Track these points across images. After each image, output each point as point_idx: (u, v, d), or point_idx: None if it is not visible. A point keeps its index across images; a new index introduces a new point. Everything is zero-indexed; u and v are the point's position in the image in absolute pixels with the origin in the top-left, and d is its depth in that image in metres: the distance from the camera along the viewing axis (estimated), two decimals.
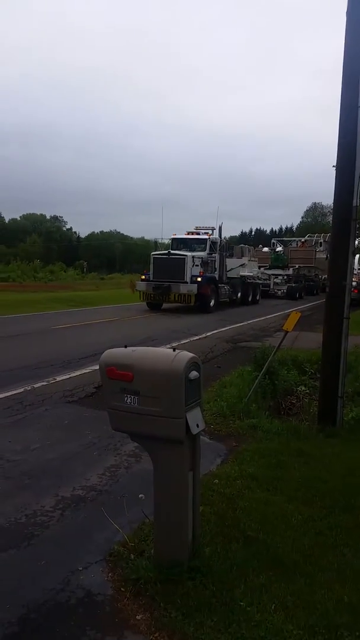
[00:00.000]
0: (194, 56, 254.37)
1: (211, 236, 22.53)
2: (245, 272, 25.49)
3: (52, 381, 7.84)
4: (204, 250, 21.57)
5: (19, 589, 2.90)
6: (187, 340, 12.45)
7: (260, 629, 2.54)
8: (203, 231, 23.62)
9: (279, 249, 36.93)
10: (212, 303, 20.66)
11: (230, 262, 24.31)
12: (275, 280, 32.63)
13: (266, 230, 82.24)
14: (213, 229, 23.57)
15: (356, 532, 3.56)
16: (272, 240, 41.89)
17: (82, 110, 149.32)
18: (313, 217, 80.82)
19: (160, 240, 24.79)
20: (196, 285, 19.67)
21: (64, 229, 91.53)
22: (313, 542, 3.41)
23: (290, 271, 33.35)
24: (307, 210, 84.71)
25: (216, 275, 21.95)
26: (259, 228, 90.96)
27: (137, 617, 2.67)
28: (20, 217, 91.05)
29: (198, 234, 23.30)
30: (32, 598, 2.82)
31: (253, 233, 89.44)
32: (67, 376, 8.20)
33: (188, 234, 23.48)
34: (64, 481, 4.34)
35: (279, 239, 44.74)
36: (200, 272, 20.35)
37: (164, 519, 2.97)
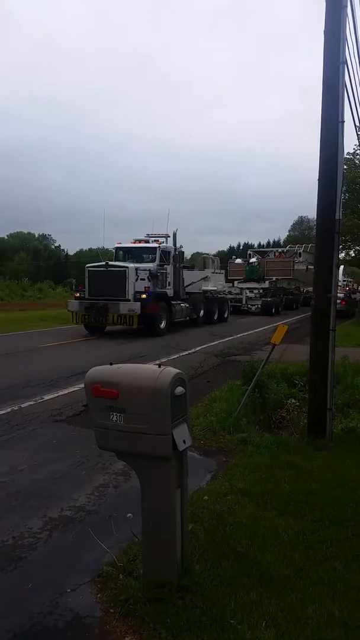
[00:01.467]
0: (180, 74, 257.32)
1: (162, 244, 18.44)
2: (208, 287, 22.04)
3: (40, 400, 7.78)
4: (153, 261, 17.70)
5: (5, 614, 2.84)
6: (177, 355, 12.46)
7: None
8: (153, 239, 19.52)
9: (253, 260, 33.44)
10: (162, 324, 17.02)
11: (190, 275, 20.82)
12: (248, 294, 29.43)
13: (254, 244, 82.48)
14: (167, 236, 19.49)
15: (347, 545, 3.55)
16: (248, 252, 39.35)
17: (68, 129, 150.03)
18: (300, 231, 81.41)
19: (103, 250, 21.26)
20: (139, 303, 16.02)
21: (52, 247, 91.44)
22: (303, 556, 3.39)
23: (267, 284, 30.19)
24: (294, 223, 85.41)
25: (169, 290, 18.10)
26: (246, 242, 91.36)
27: (126, 638, 2.62)
28: (8, 236, 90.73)
29: (147, 242, 19.31)
30: (19, 622, 2.76)
31: (241, 247, 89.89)
32: (55, 395, 8.14)
33: (135, 242, 19.48)
34: (52, 502, 4.29)
35: (254, 249, 42.21)
36: (145, 288, 16.58)
37: (152, 538, 2.94)
